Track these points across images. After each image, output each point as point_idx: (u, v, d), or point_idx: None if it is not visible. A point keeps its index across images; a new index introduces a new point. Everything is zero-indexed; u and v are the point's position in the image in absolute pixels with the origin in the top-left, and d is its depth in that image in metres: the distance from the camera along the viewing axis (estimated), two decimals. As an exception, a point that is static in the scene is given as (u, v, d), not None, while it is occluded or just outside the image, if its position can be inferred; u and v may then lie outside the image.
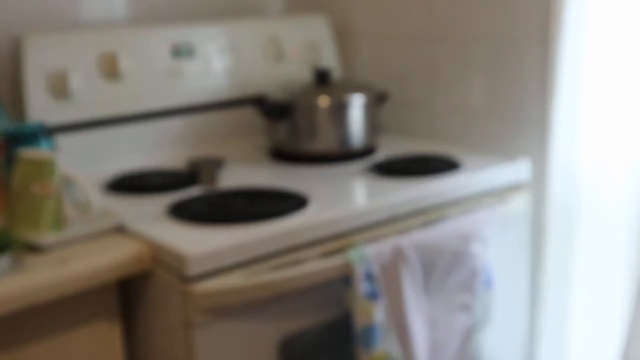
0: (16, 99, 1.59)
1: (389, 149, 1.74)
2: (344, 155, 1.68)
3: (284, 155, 1.71)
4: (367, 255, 1.28)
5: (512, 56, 1.65)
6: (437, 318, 1.38)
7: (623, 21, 1.45)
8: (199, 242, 1.21)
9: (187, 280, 1.18)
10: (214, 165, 1.61)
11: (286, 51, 1.90)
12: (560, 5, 1.49)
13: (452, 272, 1.39)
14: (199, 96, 1.79)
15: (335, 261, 1.28)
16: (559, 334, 1.61)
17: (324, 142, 1.68)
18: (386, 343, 1.31)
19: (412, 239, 1.34)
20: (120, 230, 1.29)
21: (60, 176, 1.25)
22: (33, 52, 1.57)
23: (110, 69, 1.66)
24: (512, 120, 1.66)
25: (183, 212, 1.33)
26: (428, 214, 1.44)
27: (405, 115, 1.88)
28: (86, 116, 1.63)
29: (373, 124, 1.72)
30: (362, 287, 1.27)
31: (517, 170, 1.60)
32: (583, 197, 1.54)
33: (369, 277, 1.28)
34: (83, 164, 1.48)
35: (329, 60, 1.95)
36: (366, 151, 1.71)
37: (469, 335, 1.43)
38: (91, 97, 1.63)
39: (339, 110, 1.68)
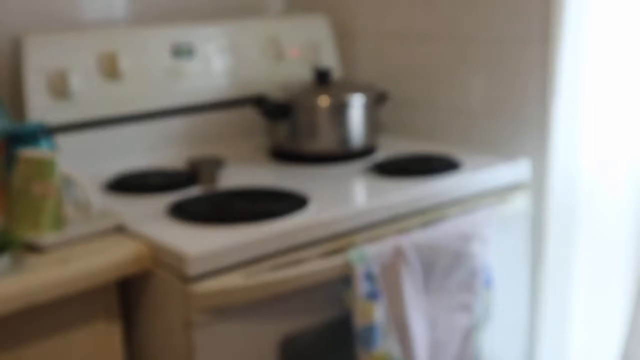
0: (16, 99, 1.59)
1: (389, 149, 1.74)
2: (344, 155, 1.68)
3: (284, 155, 1.71)
4: (367, 255, 1.28)
5: (512, 56, 1.65)
6: (437, 318, 1.38)
7: (623, 21, 1.45)
8: (199, 242, 1.21)
9: (187, 280, 1.18)
10: (214, 165, 1.61)
11: (286, 51, 1.90)
12: (561, 5, 1.49)
13: (452, 272, 1.39)
14: (199, 96, 1.79)
15: (335, 261, 1.28)
16: (559, 334, 1.61)
17: (324, 142, 1.68)
18: (386, 343, 1.31)
19: (412, 239, 1.34)
20: (120, 230, 1.29)
21: (60, 176, 1.25)
22: (33, 52, 1.57)
23: (110, 69, 1.66)
24: (512, 120, 1.66)
25: (183, 212, 1.33)
26: (428, 214, 1.44)
27: (405, 115, 1.88)
28: (86, 116, 1.63)
29: (373, 124, 1.72)
30: (362, 287, 1.27)
31: (517, 170, 1.60)
32: (583, 196, 1.54)
33: (369, 277, 1.28)
34: (83, 164, 1.48)
35: (329, 60, 1.95)
36: (366, 151, 1.71)
37: (469, 335, 1.43)
38: (91, 97, 1.63)
39: (339, 110, 1.68)
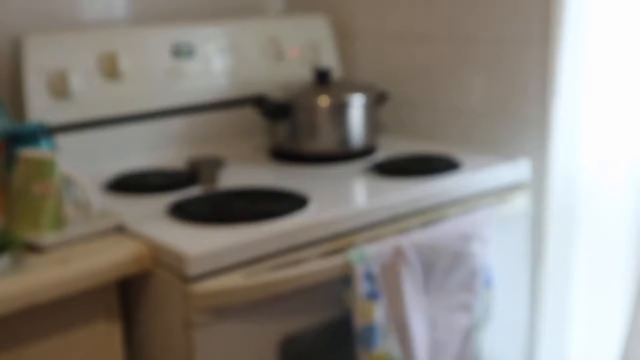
0: (16, 99, 1.59)
1: (389, 149, 1.74)
2: (344, 155, 1.68)
3: (284, 155, 1.71)
4: (367, 255, 1.28)
5: (512, 56, 1.65)
6: (437, 318, 1.38)
7: (623, 21, 1.45)
8: (199, 242, 1.21)
9: (187, 280, 1.18)
10: (214, 165, 1.61)
11: (286, 51, 1.90)
12: (560, 5, 1.49)
13: (452, 272, 1.39)
14: (199, 96, 1.79)
15: (335, 261, 1.28)
16: (559, 334, 1.61)
17: (324, 142, 1.68)
18: (386, 343, 1.31)
19: (412, 239, 1.34)
20: (120, 230, 1.29)
21: (60, 176, 1.25)
22: (33, 52, 1.57)
23: (110, 69, 1.66)
24: (512, 120, 1.66)
25: (183, 212, 1.33)
26: (428, 214, 1.44)
27: (405, 115, 1.88)
28: (86, 116, 1.63)
29: (373, 124, 1.72)
30: (362, 287, 1.27)
31: (517, 170, 1.60)
32: (583, 196, 1.54)
33: (369, 277, 1.28)
34: (83, 164, 1.48)
35: (329, 60, 1.95)
36: (366, 151, 1.71)
37: (469, 335, 1.43)
38: (91, 97, 1.63)
39: (339, 110, 1.68)
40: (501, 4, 1.65)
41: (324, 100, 1.67)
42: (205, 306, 1.18)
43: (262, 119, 1.72)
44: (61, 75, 1.59)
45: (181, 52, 1.76)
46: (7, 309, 1.10)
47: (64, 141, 1.54)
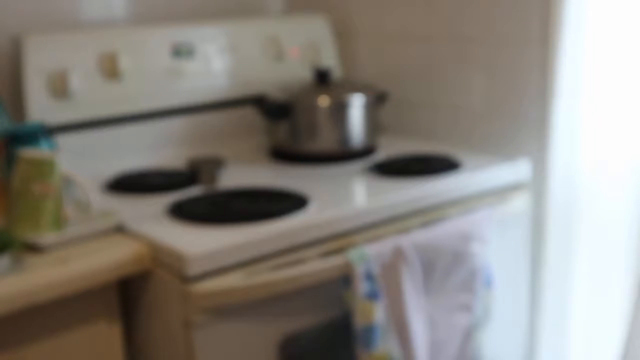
0: (16, 99, 1.59)
1: (389, 149, 1.74)
2: (344, 155, 1.68)
3: (284, 155, 1.71)
4: (367, 255, 1.28)
5: (512, 56, 1.65)
6: (437, 318, 1.38)
7: (623, 21, 1.45)
8: (199, 242, 1.21)
9: (187, 280, 1.18)
10: (214, 165, 1.61)
11: (286, 51, 1.90)
12: (560, 5, 1.49)
13: (452, 272, 1.39)
14: (199, 96, 1.79)
15: (335, 261, 1.28)
16: (559, 334, 1.61)
17: (324, 142, 1.68)
18: (386, 343, 1.31)
19: (412, 239, 1.34)
20: (120, 230, 1.29)
21: (60, 176, 1.25)
22: (33, 52, 1.57)
23: (110, 69, 1.66)
24: (512, 120, 1.66)
25: (183, 212, 1.33)
26: (428, 214, 1.44)
27: (405, 115, 1.88)
28: (86, 116, 1.63)
29: (373, 124, 1.72)
30: (362, 287, 1.27)
31: (517, 170, 1.60)
32: (583, 196, 1.54)
33: (369, 277, 1.28)
34: (83, 164, 1.48)
35: (329, 60, 1.95)
36: (366, 151, 1.71)
37: (469, 335, 1.43)
38: (91, 97, 1.63)
39: (339, 110, 1.68)
40: (501, 4, 1.65)
41: (324, 100, 1.67)
42: (205, 306, 1.18)
43: (262, 119, 1.72)
44: (61, 75, 1.59)
45: (181, 52, 1.76)
46: (7, 309, 1.10)
47: (64, 141, 1.54)
